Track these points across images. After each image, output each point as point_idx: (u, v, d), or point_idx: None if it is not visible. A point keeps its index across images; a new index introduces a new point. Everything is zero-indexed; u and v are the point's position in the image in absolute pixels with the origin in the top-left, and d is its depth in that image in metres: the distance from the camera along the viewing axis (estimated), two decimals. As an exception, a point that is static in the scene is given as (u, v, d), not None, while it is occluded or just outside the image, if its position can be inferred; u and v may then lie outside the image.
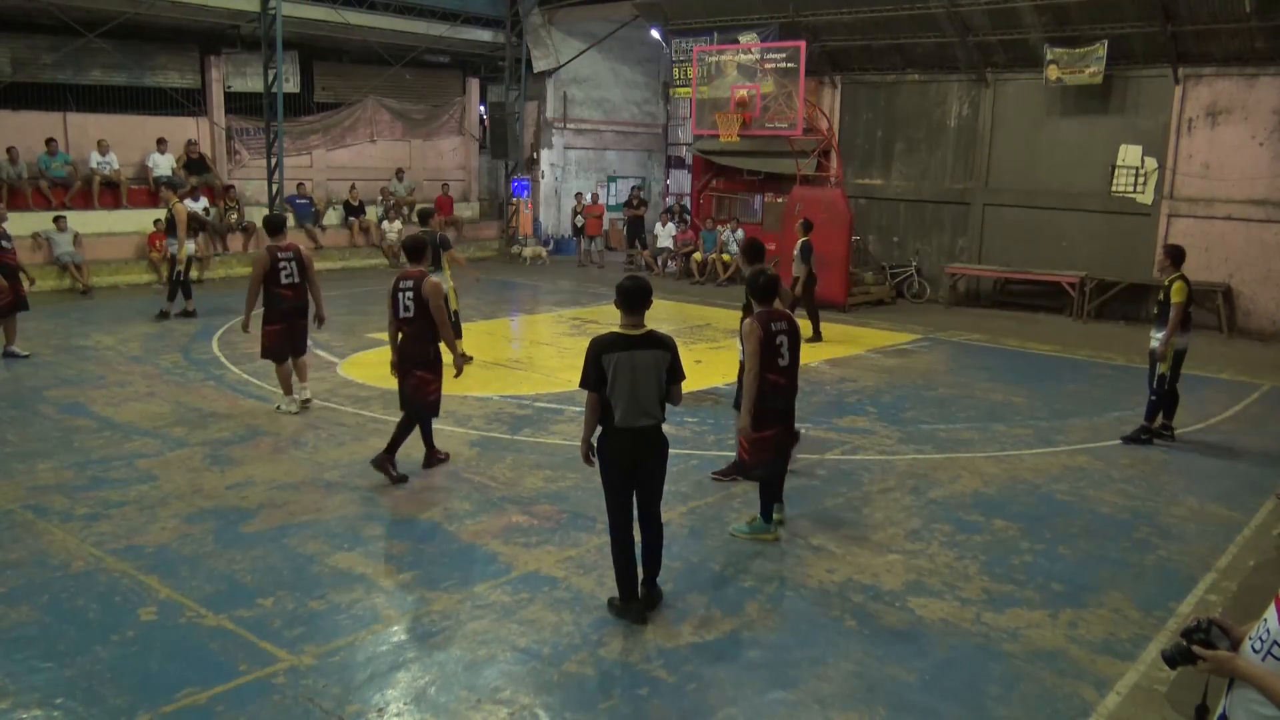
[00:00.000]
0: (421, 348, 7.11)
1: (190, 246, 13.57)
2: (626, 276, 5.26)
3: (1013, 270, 16.68)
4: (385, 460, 7.14)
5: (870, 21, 17.10)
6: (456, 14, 20.54)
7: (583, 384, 5.09)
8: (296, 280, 8.62)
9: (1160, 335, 8.56)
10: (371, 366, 10.92)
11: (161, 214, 13.86)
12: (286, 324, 8.63)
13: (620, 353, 4.99)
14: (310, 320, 8.86)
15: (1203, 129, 15.12)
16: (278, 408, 8.93)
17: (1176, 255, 8.63)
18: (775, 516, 6.40)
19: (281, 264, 8.53)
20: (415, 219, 12.30)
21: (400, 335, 7.19)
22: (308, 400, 9.02)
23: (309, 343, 9.10)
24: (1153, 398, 8.77)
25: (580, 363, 5.09)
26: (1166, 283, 8.58)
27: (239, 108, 19.37)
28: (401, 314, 7.08)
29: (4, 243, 10.82)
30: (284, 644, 4.78)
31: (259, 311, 8.70)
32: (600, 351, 5.02)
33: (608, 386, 4.99)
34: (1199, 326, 14.78)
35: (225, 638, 4.83)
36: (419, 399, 7.19)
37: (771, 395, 6.03)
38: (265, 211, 18.19)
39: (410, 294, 7.00)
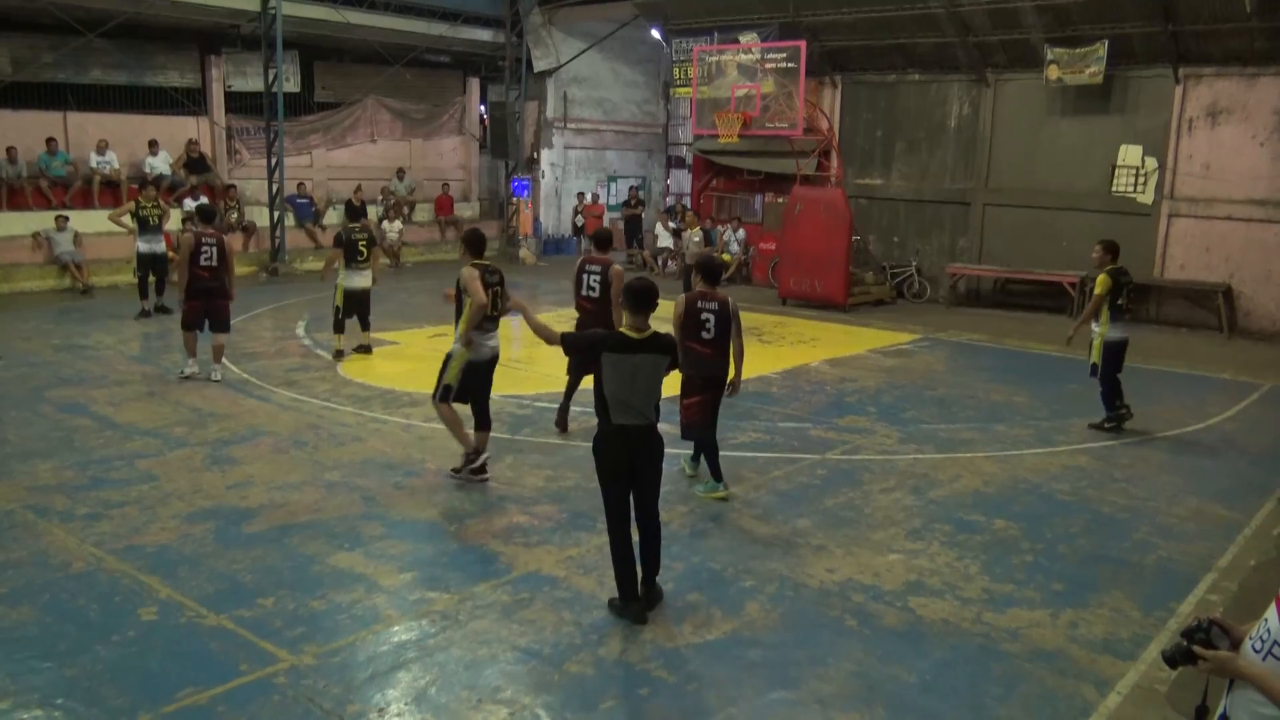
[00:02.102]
0: (603, 322, 8.03)
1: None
2: (635, 278, 5.31)
3: (1013, 270, 16.67)
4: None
5: (871, 21, 17.08)
6: (457, 13, 20.51)
7: (570, 347, 5.30)
8: (215, 264, 9.83)
9: (1094, 328, 8.97)
10: (372, 365, 10.95)
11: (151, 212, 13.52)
12: (203, 300, 9.87)
13: (620, 354, 5.03)
14: (230, 301, 10.11)
15: (1203, 129, 15.11)
16: (181, 371, 10.01)
17: (1111, 248, 9.03)
18: (689, 473, 7.36)
19: (203, 248, 9.77)
20: (344, 214, 13.43)
21: (583, 311, 8.40)
22: (217, 380, 9.90)
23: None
24: (1102, 388, 9.08)
25: None
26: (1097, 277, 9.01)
27: (239, 107, 19.36)
28: (585, 292, 8.38)
29: None
30: (284, 644, 4.78)
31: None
32: (601, 345, 5.06)
33: (603, 382, 5.04)
34: (1200, 326, 14.92)
35: (225, 638, 4.83)
36: None
37: (696, 363, 6.78)
38: (265, 211, 18.29)
39: (597, 277, 8.33)
